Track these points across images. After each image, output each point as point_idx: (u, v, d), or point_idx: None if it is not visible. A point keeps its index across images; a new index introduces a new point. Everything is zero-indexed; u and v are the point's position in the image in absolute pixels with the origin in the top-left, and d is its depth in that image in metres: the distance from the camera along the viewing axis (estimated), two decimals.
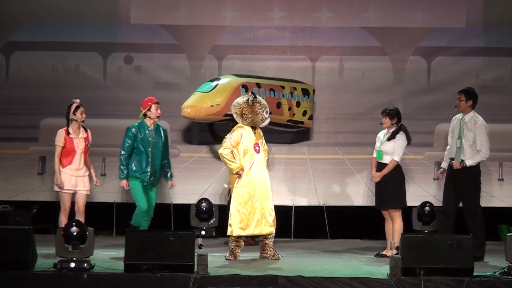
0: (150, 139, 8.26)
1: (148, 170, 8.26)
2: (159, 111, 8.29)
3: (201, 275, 6.92)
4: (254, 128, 8.21)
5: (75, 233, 7.14)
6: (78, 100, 8.28)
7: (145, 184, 8.27)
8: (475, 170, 8.40)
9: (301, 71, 10.51)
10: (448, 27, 10.47)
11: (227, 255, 8.16)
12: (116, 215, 10.12)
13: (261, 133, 8.28)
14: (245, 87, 9.28)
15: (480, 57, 10.48)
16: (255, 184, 8.18)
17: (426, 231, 9.42)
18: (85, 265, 7.06)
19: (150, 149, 8.26)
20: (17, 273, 6.97)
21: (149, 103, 8.26)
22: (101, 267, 7.21)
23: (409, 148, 10.02)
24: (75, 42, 10.49)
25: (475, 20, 10.46)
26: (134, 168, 8.27)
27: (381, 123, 8.43)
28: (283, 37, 10.58)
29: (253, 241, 9.19)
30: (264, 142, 8.26)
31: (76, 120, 8.25)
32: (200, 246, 7.13)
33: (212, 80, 9.31)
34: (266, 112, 8.14)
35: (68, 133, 8.24)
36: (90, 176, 8.40)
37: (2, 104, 10.51)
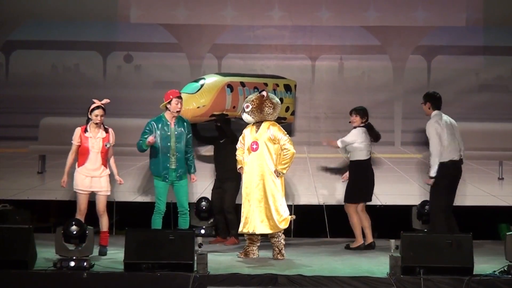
0: (168, 133, 8.25)
1: (172, 166, 8.26)
2: (179, 106, 8.30)
3: (201, 274, 6.93)
4: (259, 125, 8.22)
5: (74, 232, 7.15)
6: (100, 102, 8.16)
7: (170, 180, 8.27)
8: (441, 171, 8.49)
9: (301, 70, 10.51)
10: (448, 26, 10.47)
11: (239, 253, 8.31)
12: (116, 214, 10.11)
13: (273, 132, 8.19)
14: (230, 86, 9.26)
15: (480, 56, 10.48)
16: (249, 183, 8.22)
17: (425, 230, 9.41)
18: (85, 264, 7.06)
19: (170, 144, 8.25)
20: (17, 272, 6.97)
21: (170, 96, 8.28)
22: (101, 266, 7.21)
23: (408, 147, 10.07)
24: (74, 41, 10.49)
25: (475, 19, 10.46)
26: (156, 167, 8.28)
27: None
28: (283, 36, 10.58)
29: (236, 239, 9.24)
30: (278, 138, 8.17)
31: (91, 120, 8.20)
32: (200, 245, 7.13)
33: (196, 80, 9.24)
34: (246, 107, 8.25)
35: (85, 131, 8.18)
36: (111, 176, 8.31)
37: (2, 103, 10.50)
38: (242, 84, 9.41)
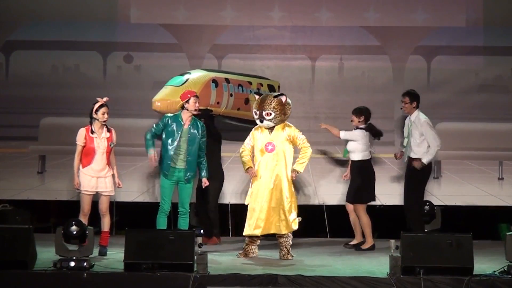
0: (179, 132, 8.19)
1: (178, 166, 8.23)
2: (197, 105, 8.26)
3: (200, 274, 6.93)
4: (272, 127, 8.22)
5: (75, 232, 7.15)
6: (102, 99, 8.16)
7: (176, 179, 8.25)
8: (424, 168, 8.80)
9: (301, 70, 10.52)
10: (448, 26, 10.48)
11: (239, 253, 8.29)
12: (116, 214, 10.10)
13: (289, 132, 8.20)
14: (215, 82, 9.31)
15: (480, 56, 10.49)
16: (261, 183, 8.19)
17: (425, 230, 9.41)
18: (85, 264, 7.06)
19: (179, 144, 8.20)
20: (16, 272, 6.97)
21: (188, 95, 8.24)
22: (101, 266, 7.21)
23: None
24: (74, 41, 10.50)
25: (475, 19, 10.46)
26: (165, 165, 8.23)
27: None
28: (283, 36, 10.58)
29: (217, 239, 9.22)
30: (296, 137, 8.19)
31: (98, 120, 8.17)
32: (200, 245, 7.13)
33: (182, 74, 9.27)
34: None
35: (90, 132, 8.13)
36: (113, 176, 8.30)
37: (2, 103, 10.50)
38: (227, 80, 9.46)
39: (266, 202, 8.17)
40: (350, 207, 9.15)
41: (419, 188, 8.92)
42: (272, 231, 8.20)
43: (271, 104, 8.14)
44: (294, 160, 8.31)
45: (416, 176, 8.85)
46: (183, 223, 8.37)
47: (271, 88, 9.93)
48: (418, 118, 8.90)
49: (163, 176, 8.28)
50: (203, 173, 8.47)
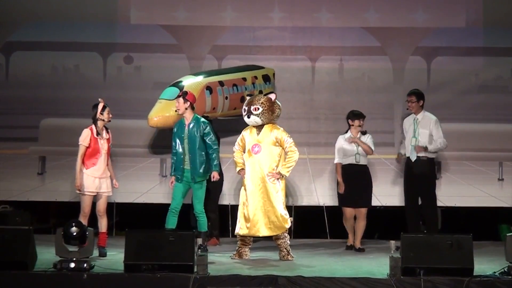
0: (183, 135, 8.24)
1: (183, 167, 8.25)
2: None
3: (201, 275, 6.92)
4: (261, 127, 8.20)
5: (75, 233, 7.15)
6: (102, 100, 8.19)
7: (186, 181, 8.27)
8: (431, 166, 8.97)
9: (301, 71, 10.53)
10: (448, 27, 10.49)
11: (233, 254, 8.24)
12: (116, 215, 10.11)
13: (276, 134, 8.15)
14: (209, 88, 9.32)
15: (480, 57, 10.50)
16: (250, 185, 8.20)
17: (425, 231, 9.42)
18: (85, 265, 7.05)
19: (183, 145, 8.24)
20: (17, 273, 6.97)
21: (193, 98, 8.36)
22: (101, 267, 7.21)
23: None
24: (75, 42, 10.50)
25: (475, 20, 10.48)
26: (178, 169, 8.29)
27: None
28: (283, 37, 10.59)
29: (217, 240, 9.22)
30: (284, 141, 8.15)
31: (103, 120, 8.15)
32: (201, 247, 7.12)
33: (175, 85, 9.24)
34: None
35: (96, 133, 8.12)
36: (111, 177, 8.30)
37: (2, 104, 10.52)
38: (221, 83, 9.47)
39: (253, 204, 8.16)
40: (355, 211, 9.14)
41: (435, 187, 9.10)
42: (264, 234, 8.17)
43: (260, 100, 8.15)
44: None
45: (431, 176, 9.00)
46: (198, 225, 8.41)
47: (267, 78, 9.97)
48: (427, 117, 8.98)
49: (175, 180, 8.31)
50: (212, 167, 8.34)
